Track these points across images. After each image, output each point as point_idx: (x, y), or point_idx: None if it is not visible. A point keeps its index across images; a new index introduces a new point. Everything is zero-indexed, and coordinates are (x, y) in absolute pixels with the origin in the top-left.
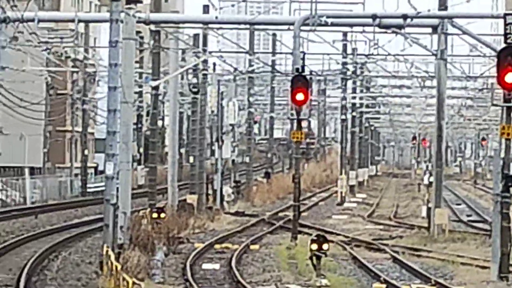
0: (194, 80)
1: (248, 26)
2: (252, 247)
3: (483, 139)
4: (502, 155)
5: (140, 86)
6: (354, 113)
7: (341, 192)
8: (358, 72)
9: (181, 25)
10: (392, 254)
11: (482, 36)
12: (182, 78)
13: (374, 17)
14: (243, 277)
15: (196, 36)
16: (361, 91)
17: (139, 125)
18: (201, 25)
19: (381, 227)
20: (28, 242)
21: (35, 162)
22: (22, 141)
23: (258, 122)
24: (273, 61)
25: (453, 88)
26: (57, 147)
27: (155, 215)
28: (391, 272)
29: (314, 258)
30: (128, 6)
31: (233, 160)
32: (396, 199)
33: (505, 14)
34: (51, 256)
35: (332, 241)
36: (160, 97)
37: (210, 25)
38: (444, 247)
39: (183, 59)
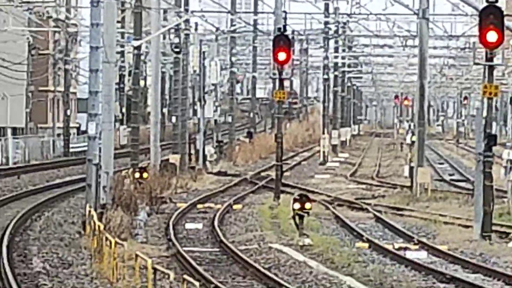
0: (176, 40)
1: None
2: (234, 206)
3: (465, 98)
4: (484, 114)
5: (122, 46)
6: (336, 73)
7: (324, 152)
8: (340, 31)
9: None
10: (374, 214)
11: None
12: (164, 38)
13: None
14: (225, 236)
15: None
16: (343, 51)
17: (121, 85)
18: None
19: (364, 186)
20: (11, 202)
21: (17, 122)
22: (4, 101)
23: (240, 81)
24: (255, 20)
25: (435, 48)
26: (39, 107)
27: (137, 175)
28: (374, 231)
29: (296, 217)
30: None
31: (215, 120)
32: (379, 158)
33: None
34: (33, 216)
35: (315, 201)
36: (142, 57)
37: None
38: (427, 206)
39: (165, 19)
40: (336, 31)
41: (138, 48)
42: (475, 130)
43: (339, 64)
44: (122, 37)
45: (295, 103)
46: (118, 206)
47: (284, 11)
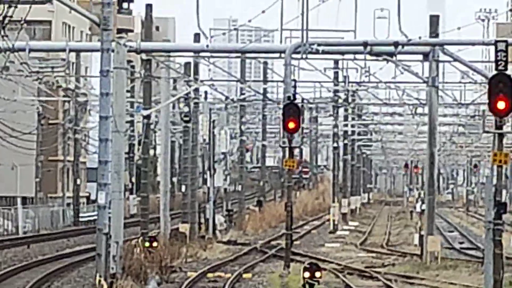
0: (186, 109)
1: (239, 54)
2: (245, 275)
3: (475, 166)
4: (494, 182)
5: (132, 115)
6: (346, 141)
7: (334, 220)
8: (350, 99)
9: (172, 53)
10: (384, 282)
11: (474, 63)
12: (173, 107)
13: (365, 44)
14: None
15: (187, 64)
16: (353, 119)
17: (131, 154)
18: (192, 54)
19: (374, 254)
20: (21, 272)
21: (27, 192)
22: (14, 171)
23: (250, 150)
24: (264, 89)
25: (444, 115)
26: (49, 177)
27: (147, 244)
28: None
29: (307, 286)
30: (119, 35)
31: (225, 189)
32: (389, 226)
33: (496, 41)
34: (43, 286)
35: (325, 269)
36: (152, 126)
37: (201, 54)
38: (437, 275)
39: (175, 88)
40: (346, 99)
41: (147, 117)
42: (485, 198)
43: (349, 132)
44: (132, 107)
45: (306, 172)
46: (128, 276)
47: (294, 80)
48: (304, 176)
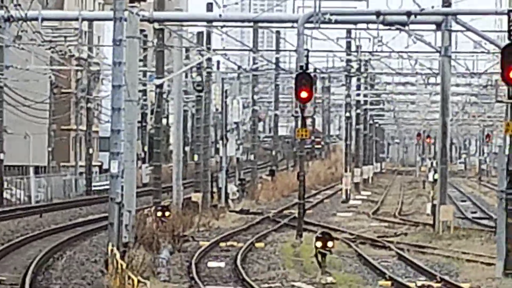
0: (198, 78)
1: (251, 24)
2: (257, 245)
3: (488, 135)
4: (507, 151)
5: (144, 85)
6: (358, 111)
7: (346, 190)
8: (362, 69)
9: (184, 23)
10: (397, 251)
11: (486, 33)
12: (186, 76)
13: (378, 14)
14: (248, 275)
15: (200, 34)
16: (365, 89)
17: (144, 124)
18: (205, 23)
19: (386, 224)
20: (33, 241)
21: (40, 161)
22: (26, 140)
23: (262, 120)
24: (277, 58)
25: (457, 85)
26: (61, 146)
27: (160, 213)
28: (396, 269)
29: (319, 255)
30: (132, 4)
31: (237, 158)
32: (401, 196)
33: (509, 11)
34: (56, 255)
35: (337, 239)
36: (164, 96)
37: (214, 23)
38: (449, 244)
39: (187, 57)
40: (358, 69)
41: (160, 86)
42: (498, 167)
43: (361, 102)
44: (144, 76)
45: (319, 142)
46: (140, 245)
47: (306, 49)
48: (316, 146)
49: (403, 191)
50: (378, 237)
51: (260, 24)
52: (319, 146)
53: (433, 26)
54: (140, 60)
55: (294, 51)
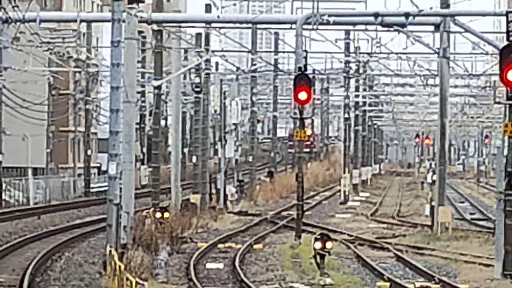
0: (197, 80)
1: (250, 25)
2: (255, 246)
3: (486, 137)
4: (505, 153)
5: (143, 86)
6: (357, 112)
7: (345, 191)
8: (361, 70)
9: (183, 24)
10: (395, 253)
11: (485, 34)
12: (184, 78)
13: (376, 15)
14: (246, 276)
15: (198, 35)
16: (364, 90)
17: (142, 125)
18: (203, 25)
19: (385, 225)
20: (31, 243)
21: (38, 163)
22: (25, 141)
23: (261, 121)
24: (275, 60)
25: (455, 86)
26: (60, 147)
27: (158, 214)
28: (395, 270)
29: (317, 257)
30: (130, 5)
31: (236, 160)
32: (399, 197)
33: (507, 12)
34: (54, 257)
35: (336, 240)
36: (163, 97)
37: (212, 25)
38: (448, 245)
39: (186, 59)
40: (357, 70)
41: (158, 87)
42: (496, 169)
43: (360, 103)
44: (143, 77)
45: (309, 146)
46: (139, 246)
47: (305, 51)
48: (304, 150)
49: (401, 192)
50: (377, 238)
51: (258, 26)
52: (308, 150)
53: (432, 27)
54: (139, 62)
55: (292, 52)
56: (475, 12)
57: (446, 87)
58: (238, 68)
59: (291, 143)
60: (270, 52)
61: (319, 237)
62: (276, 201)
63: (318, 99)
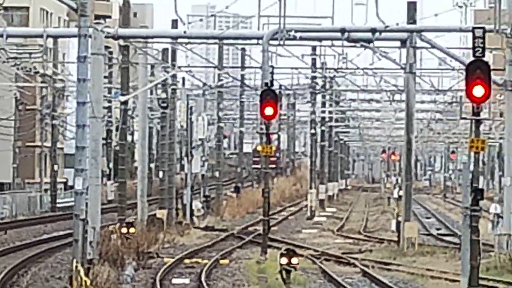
0: (163, 95)
1: (217, 40)
2: (222, 261)
3: (453, 152)
4: (471, 168)
5: (109, 101)
6: (323, 127)
7: (311, 206)
8: (327, 86)
9: (149, 40)
10: (362, 268)
11: (451, 50)
12: (151, 93)
13: (342, 31)
14: None
15: (165, 51)
16: (331, 105)
17: (109, 140)
18: (169, 40)
19: (351, 241)
20: None
21: (5, 178)
22: None
23: (227, 136)
24: (242, 75)
25: (422, 102)
26: (26, 163)
27: (124, 230)
28: (361, 286)
29: (284, 272)
30: (97, 21)
31: (202, 175)
32: (366, 213)
33: (474, 28)
34: (20, 272)
35: (302, 255)
36: (129, 112)
37: (179, 40)
38: (414, 261)
39: (152, 74)
40: (323, 86)
41: (125, 103)
42: (462, 184)
43: (326, 119)
44: (109, 92)
45: (274, 162)
46: (105, 261)
47: (271, 66)
48: (271, 165)
49: (368, 208)
50: (343, 253)
51: (225, 41)
52: (274, 166)
53: (398, 43)
54: (105, 77)
55: (259, 68)
56: (441, 28)
57: (412, 102)
58: (204, 84)
59: (255, 159)
60: (237, 67)
61: (285, 252)
62: (242, 216)
63: (285, 115)
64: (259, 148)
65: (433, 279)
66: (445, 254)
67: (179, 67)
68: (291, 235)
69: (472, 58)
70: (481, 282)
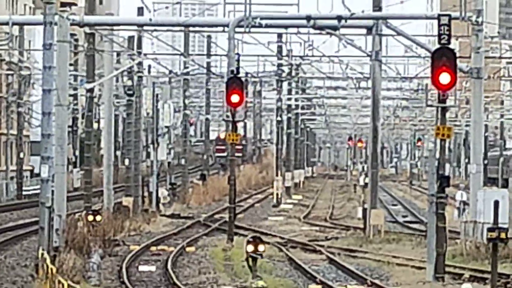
0: (129, 83)
1: (182, 28)
2: (188, 249)
3: (419, 139)
4: (437, 155)
5: (75, 89)
6: (289, 115)
7: (277, 194)
8: (293, 73)
9: (115, 27)
10: (328, 255)
11: (417, 37)
12: (117, 81)
13: (308, 18)
14: (179, 279)
15: (130, 38)
16: (297, 93)
17: (75, 128)
18: (135, 27)
19: (317, 228)
20: None
21: None
22: None
23: (193, 124)
24: (208, 63)
25: (388, 89)
26: None
27: (90, 217)
28: (327, 273)
29: (250, 259)
30: (63, 8)
31: (168, 162)
32: (332, 200)
33: (439, 15)
34: None
35: (268, 243)
36: (95, 100)
37: (144, 27)
38: (380, 248)
39: (118, 62)
40: (289, 73)
41: (91, 90)
42: (428, 171)
43: (293, 106)
44: (75, 80)
45: (239, 150)
46: (71, 249)
47: (237, 54)
48: (236, 154)
49: (334, 195)
50: (309, 241)
51: (191, 28)
52: (239, 155)
53: (364, 31)
54: (71, 65)
55: (225, 55)
56: (407, 16)
57: (378, 90)
58: (170, 71)
59: (218, 147)
60: (203, 55)
61: (251, 240)
62: (208, 204)
63: (251, 102)
64: (223, 135)
65: (399, 266)
66: (411, 242)
67: (145, 55)
68: (257, 223)
69: (437, 46)
70: (447, 269)
